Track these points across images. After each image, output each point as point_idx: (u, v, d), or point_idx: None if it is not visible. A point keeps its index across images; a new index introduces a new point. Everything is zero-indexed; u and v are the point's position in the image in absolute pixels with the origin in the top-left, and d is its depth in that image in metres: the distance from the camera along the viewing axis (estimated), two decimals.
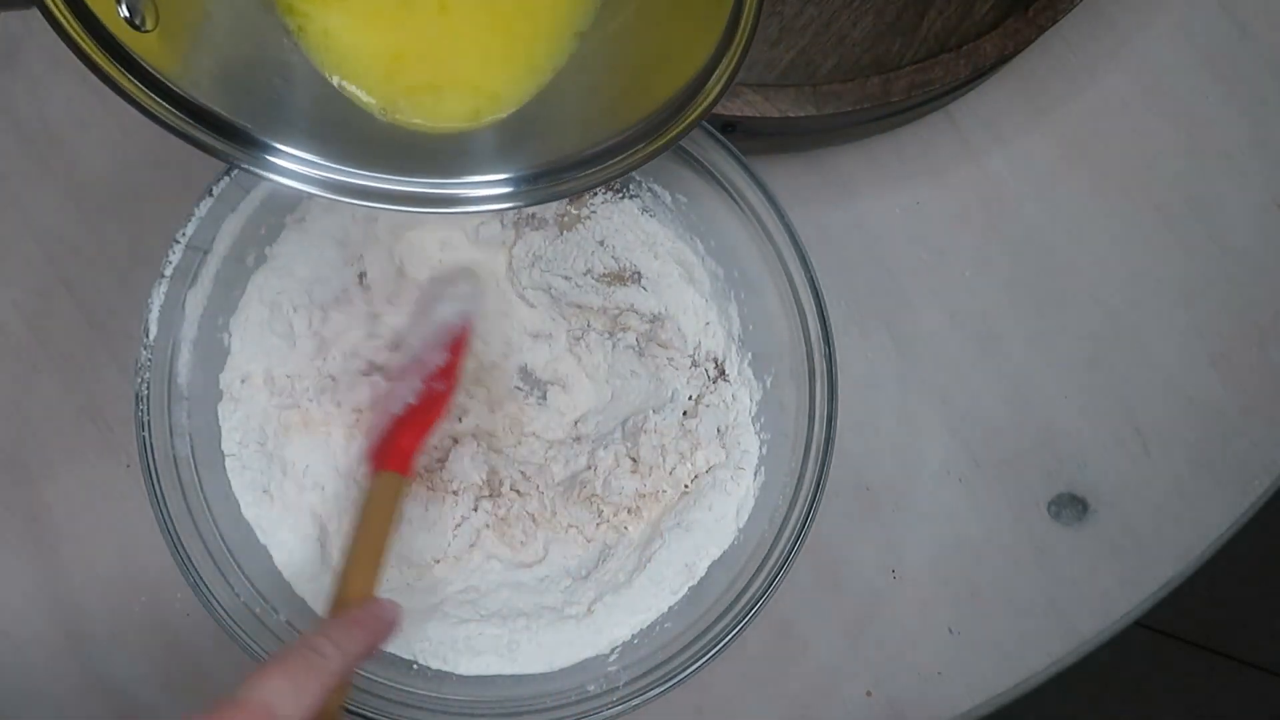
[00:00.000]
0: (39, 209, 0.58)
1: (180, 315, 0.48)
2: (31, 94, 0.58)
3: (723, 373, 0.53)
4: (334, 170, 0.35)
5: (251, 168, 0.35)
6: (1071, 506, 0.57)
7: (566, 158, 0.38)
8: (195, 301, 0.49)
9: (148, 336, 0.47)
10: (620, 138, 0.38)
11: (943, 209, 0.58)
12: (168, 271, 0.47)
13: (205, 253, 0.49)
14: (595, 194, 0.53)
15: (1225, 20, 0.60)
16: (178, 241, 0.47)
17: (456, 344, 0.51)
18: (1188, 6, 0.60)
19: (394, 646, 0.50)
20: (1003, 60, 0.53)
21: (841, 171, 0.59)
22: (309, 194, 0.36)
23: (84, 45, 0.32)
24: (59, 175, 0.58)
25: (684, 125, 0.38)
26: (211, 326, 0.50)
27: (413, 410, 0.49)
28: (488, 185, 0.37)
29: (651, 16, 0.40)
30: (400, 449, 0.48)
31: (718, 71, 0.38)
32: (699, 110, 0.38)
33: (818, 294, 0.48)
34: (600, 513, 0.52)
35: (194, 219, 0.47)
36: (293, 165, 0.35)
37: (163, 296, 0.47)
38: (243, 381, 0.51)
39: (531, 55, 0.39)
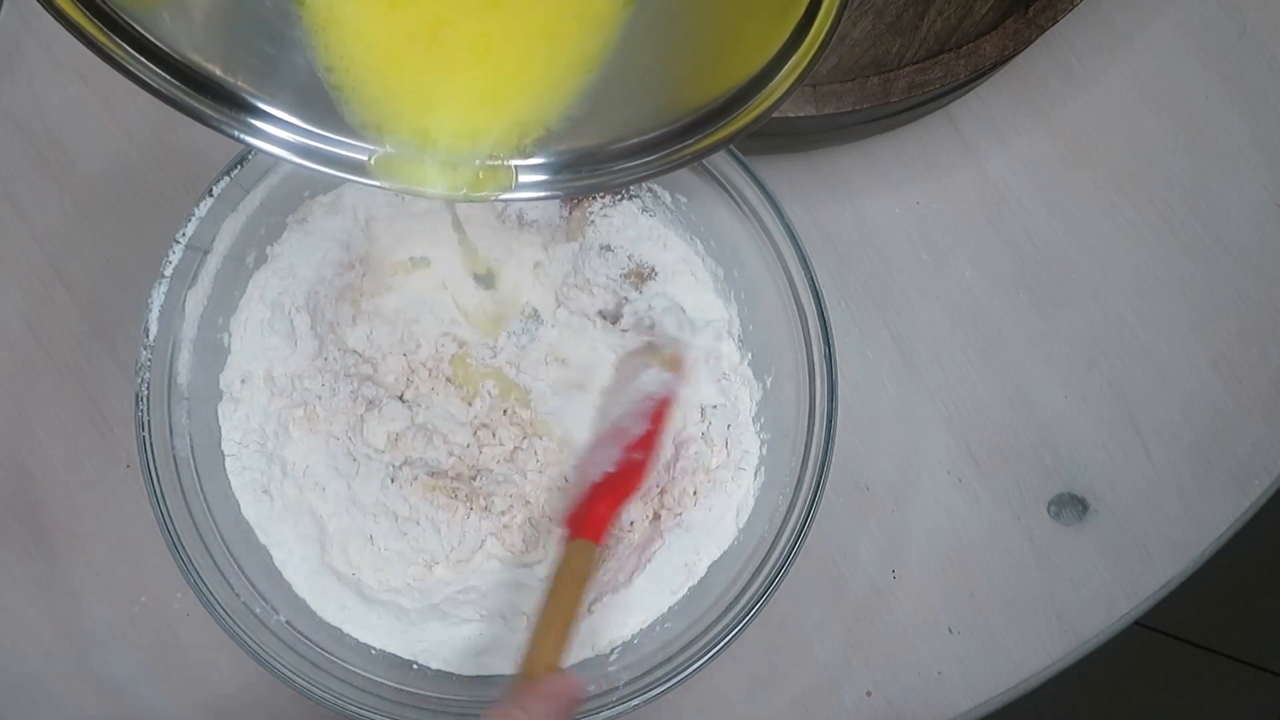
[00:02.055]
0: (39, 209, 0.58)
1: (180, 315, 0.48)
2: (31, 94, 0.58)
3: (723, 372, 0.53)
4: (339, 144, 0.33)
5: (246, 137, 0.33)
6: (1071, 506, 0.57)
7: (608, 147, 0.35)
8: (195, 301, 0.49)
9: (148, 336, 0.47)
10: (667, 129, 0.35)
11: (943, 209, 0.58)
12: (168, 271, 0.47)
13: (205, 253, 0.49)
14: (595, 199, 0.53)
15: (1225, 20, 0.60)
16: (178, 241, 0.47)
17: (657, 414, 0.50)
18: (1188, 6, 0.60)
19: (394, 646, 0.50)
20: (1003, 60, 0.53)
21: (841, 171, 0.59)
22: (310, 169, 0.33)
23: (68, 9, 0.30)
24: (59, 175, 0.58)
25: (739, 124, 0.35)
26: (211, 326, 0.50)
27: (610, 479, 0.49)
28: (521, 171, 0.34)
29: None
30: (596, 517, 0.48)
31: (785, 69, 0.35)
32: (757, 111, 0.35)
33: (818, 294, 0.48)
34: None
35: (194, 219, 0.47)
36: (291, 136, 0.33)
37: (163, 296, 0.47)
38: (243, 381, 0.51)
39: (571, 55, 0.34)
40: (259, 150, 0.33)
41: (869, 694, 0.55)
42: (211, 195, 0.47)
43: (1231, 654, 1.21)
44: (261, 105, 0.33)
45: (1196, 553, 0.57)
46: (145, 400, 0.47)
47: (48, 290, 0.57)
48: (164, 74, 0.32)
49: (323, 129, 0.33)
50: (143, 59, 0.31)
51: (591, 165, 0.35)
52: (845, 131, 0.57)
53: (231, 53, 0.33)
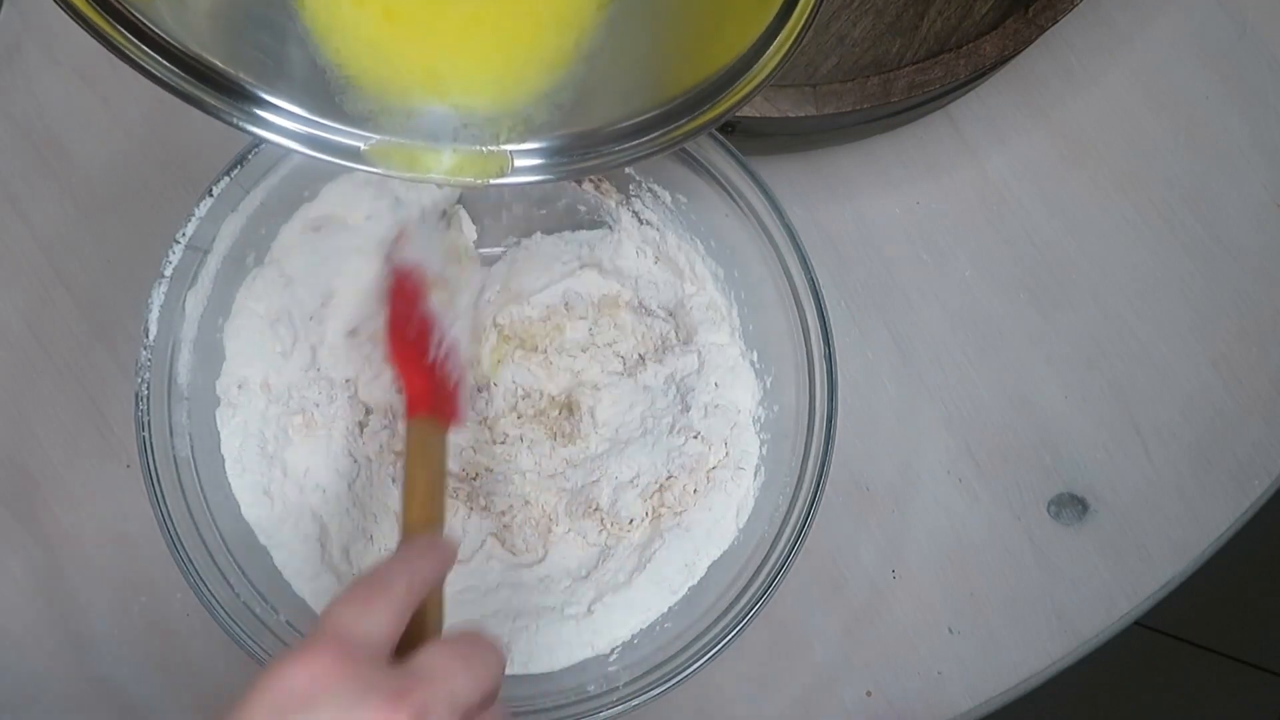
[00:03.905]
0: (39, 209, 0.58)
1: (180, 315, 0.48)
2: (31, 94, 0.58)
3: (723, 372, 0.53)
4: (337, 132, 0.34)
5: (248, 126, 0.33)
6: (1071, 506, 0.57)
7: (599, 131, 0.36)
8: (195, 301, 0.49)
9: (148, 336, 0.47)
10: (658, 111, 0.36)
11: (943, 209, 0.58)
12: (168, 271, 0.47)
13: (205, 253, 0.49)
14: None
15: (1225, 20, 0.60)
16: (178, 242, 0.47)
17: (401, 284, 0.49)
18: (1188, 6, 0.60)
19: None
20: (1003, 60, 0.53)
21: (841, 171, 0.59)
22: (311, 157, 0.34)
23: (78, 4, 0.31)
24: (59, 175, 0.58)
25: (729, 103, 0.36)
26: (211, 327, 0.50)
27: (411, 349, 0.48)
28: (516, 155, 0.35)
29: None
30: (411, 396, 0.47)
31: (769, 51, 0.36)
32: (743, 91, 0.36)
33: (818, 294, 0.48)
34: (602, 521, 0.52)
35: (194, 219, 0.47)
36: (292, 125, 0.34)
37: (163, 296, 0.47)
38: (239, 387, 0.51)
39: (555, 39, 0.36)
40: (260, 139, 0.34)
41: (869, 694, 0.55)
42: (211, 195, 0.47)
43: (1231, 654, 1.21)
44: (263, 95, 0.34)
45: (1196, 553, 0.57)
46: (145, 400, 0.47)
47: (48, 290, 0.57)
48: (167, 64, 0.33)
49: (321, 117, 0.34)
50: (147, 49, 0.32)
51: (584, 149, 0.36)
52: (845, 131, 0.57)
53: (233, 45, 0.34)
